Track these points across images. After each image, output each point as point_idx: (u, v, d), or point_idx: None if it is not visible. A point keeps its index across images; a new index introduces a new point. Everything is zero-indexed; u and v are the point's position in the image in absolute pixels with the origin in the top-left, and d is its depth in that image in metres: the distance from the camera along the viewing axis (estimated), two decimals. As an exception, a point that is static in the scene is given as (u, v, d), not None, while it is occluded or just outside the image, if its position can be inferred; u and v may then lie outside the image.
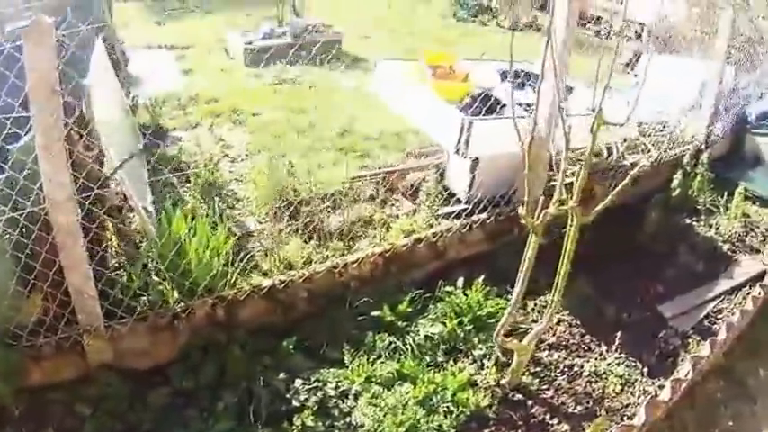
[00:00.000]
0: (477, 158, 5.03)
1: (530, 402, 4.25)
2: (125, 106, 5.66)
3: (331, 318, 4.45)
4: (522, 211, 3.56)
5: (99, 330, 3.78)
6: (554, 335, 4.78)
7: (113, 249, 4.17)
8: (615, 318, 5.03)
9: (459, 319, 4.56)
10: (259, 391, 3.96)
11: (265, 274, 4.41)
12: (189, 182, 5.21)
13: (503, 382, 4.28)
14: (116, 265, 4.16)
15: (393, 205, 5.38)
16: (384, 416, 3.88)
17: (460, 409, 4.04)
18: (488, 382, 4.28)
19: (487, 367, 4.35)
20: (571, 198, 3.58)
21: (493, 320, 4.57)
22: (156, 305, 3.97)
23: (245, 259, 4.39)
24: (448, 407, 4.03)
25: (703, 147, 6.97)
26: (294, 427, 3.83)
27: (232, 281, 4.19)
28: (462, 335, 4.53)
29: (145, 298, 3.96)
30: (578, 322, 4.93)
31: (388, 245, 4.69)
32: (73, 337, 3.74)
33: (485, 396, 4.17)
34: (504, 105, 5.10)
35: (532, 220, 3.61)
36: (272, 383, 4.01)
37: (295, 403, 3.95)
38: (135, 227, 4.40)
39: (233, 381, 4.01)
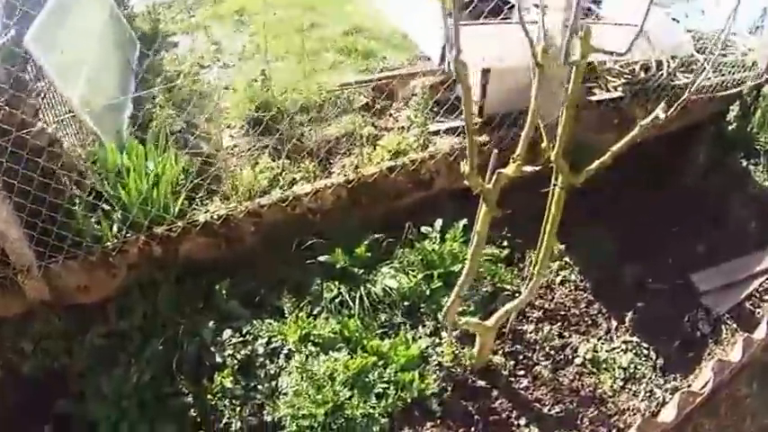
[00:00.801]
0: (488, 69, 4.15)
1: (495, 392, 3.61)
2: (114, 17, 5.47)
3: (276, 259, 4.10)
4: (464, 167, 2.63)
5: (32, 270, 3.87)
6: (551, 299, 3.94)
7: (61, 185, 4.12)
8: (635, 282, 4.03)
9: (427, 272, 3.93)
10: (185, 342, 3.85)
11: (227, 198, 4.15)
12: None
13: (465, 361, 3.67)
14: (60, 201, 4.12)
15: (391, 116, 4.69)
16: (307, 389, 3.56)
17: (401, 392, 3.55)
18: (445, 361, 3.70)
19: (446, 340, 3.74)
20: (553, 147, 2.76)
21: (483, 269, 3.96)
22: (97, 241, 3.96)
23: (207, 183, 4.15)
24: (386, 388, 3.55)
25: (765, 77, 5.18)
26: (213, 386, 3.69)
27: (176, 212, 3.97)
28: (428, 293, 3.92)
29: (85, 234, 3.94)
30: (587, 285, 4.01)
31: (353, 173, 4.11)
32: (9, 277, 3.85)
33: (436, 379, 3.62)
34: (513, 6, 4.13)
35: (482, 183, 2.73)
36: (200, 332, 3.86)
37: (218, 359, 3.78)
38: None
39: (163, 325, 3.93)
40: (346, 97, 4.73)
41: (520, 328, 3.84)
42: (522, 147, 2.60)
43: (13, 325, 4.02)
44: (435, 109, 4.34)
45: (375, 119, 4.61)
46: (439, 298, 3.88)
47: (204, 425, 3.66)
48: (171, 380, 3.77)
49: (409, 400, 3.53)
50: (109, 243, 3.94)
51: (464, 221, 4.03)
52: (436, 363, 3.69)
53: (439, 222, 4.08)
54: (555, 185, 2.86)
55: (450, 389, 3.61)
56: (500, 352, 3.74)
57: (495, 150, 2.56)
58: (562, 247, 3.95)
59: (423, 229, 4.10)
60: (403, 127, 4.51)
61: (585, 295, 4.00)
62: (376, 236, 4.06)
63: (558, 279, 4.06)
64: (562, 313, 3.91)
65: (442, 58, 4.02)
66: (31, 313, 4.02)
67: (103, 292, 4.09)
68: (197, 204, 4.12)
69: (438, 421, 3.50)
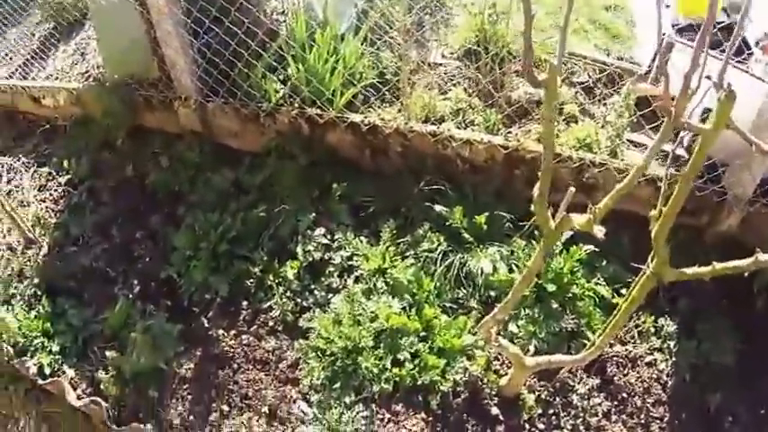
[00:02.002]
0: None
1: (500, 428, 3.35)
2: None
3: (403, 186, 4.04)
4: (536, 197, 2.32)
5: (188, 101, 4.35)
6: (624, 375, 3.47)
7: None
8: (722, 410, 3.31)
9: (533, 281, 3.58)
10: (282, 220, 4.04)
11: (399, 111, 4.15)
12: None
13: (494, 381, 3.44)
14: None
15: (604, 104, 4.26)
16: (345, 317, 3.58)
17: (417, 372, 3.43)
18: (474, 369, 3.47)
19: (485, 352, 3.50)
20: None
21: (581, 304, 3.56)
22: (259, 99, 4.24)
23: (386, 89, 4.19)
24: (407, 360, 3.46)
25: None
26: (278, 270, 3.86)
27: (339, 102, 4.09)
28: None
29: (253, 88, 4.26)
30: (671, 383, 3.45)
31: (516, 141, 3.85)
32: (169, 99, 4.37)
33: (455, 381, 3.43)
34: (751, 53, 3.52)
35: (548, 218, 2.39)
36: (299, 219, 4.01)
37: (298, 249, 3.90)
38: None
39: (274, 196, 4.16)
40: (569, 67, 4.41)
41: (571, 383, 3.40)
42: (609, 199, 2.21)
43: (163, 139, 4.56)
44: (638, 118, 3.88)
45: (586, 101, 4.25)
46: (533, 305, 3.55)
47: (251, 297, 3.85)
48: (250, 246, 4.00)
49: (418, 383, 3.40)
50: (268, 105, 4.18)
51: (591, 248, 3.63)
52: (466, 366, 3.45)
53: (569, 233, 3.67)
54: (647, 268, 2.38)
55: (460, 398, 3.40)
56: (536, 394, 3.38)
57: (572, 189, 2.19)
58: (671, 327, 3.53)
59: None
60: (601, 121, 4.10)
61: (660, 393, 3.42)
62: (503, 214, 3.78)
63: (648, 359, 3.50)
64: (623, 395, 3.39)
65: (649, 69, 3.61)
66: (181, 137, 4.52)
67: (248, 145, 4.43)
68: (364, 104, 4.17)
69: (423, 418, 3.36)
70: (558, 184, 3.82)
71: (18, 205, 4.55)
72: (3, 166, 4.80)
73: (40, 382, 3.84)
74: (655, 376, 3.48)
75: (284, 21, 4.58)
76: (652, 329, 3.59)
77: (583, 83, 4.32)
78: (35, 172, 4.72)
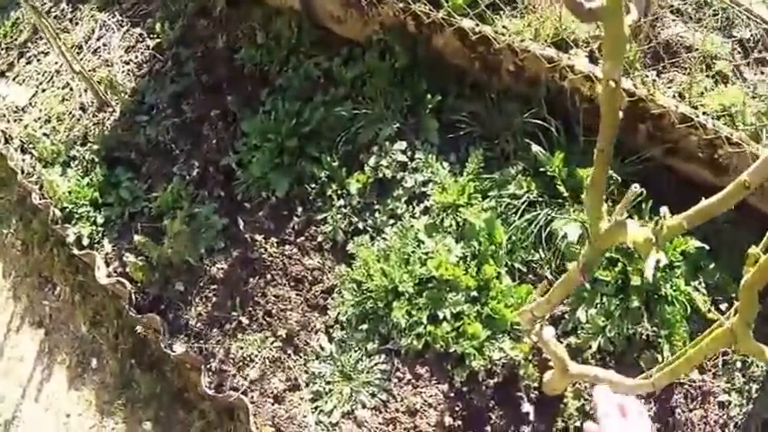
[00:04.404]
0: None
1: (525, 428, 3.14)
2: None
3: (508, 113, 3.73)
4: (589, 184, 2.00)
5: None
6: (689, 409, 3.12)
7: None
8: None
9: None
10: (363, 125, 3.89)
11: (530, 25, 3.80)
12: None
13: (534, 373, 3.21)
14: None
15: (762, 71, 3.69)
16: (394, 253, 3.43)
17: (452, 338, 3.23)
18: (514, 353, 3.22)
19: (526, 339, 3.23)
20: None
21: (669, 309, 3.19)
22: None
23: None
24: (446, 320, 3.26)
25: None
26: (344, 180, 3.77)
27: (454, 3, 3.79)
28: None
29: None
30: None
31: (645, 89, 3.39)
32: None
33: (491, 359, 3.19)
34: None
35: (598, 218, 2.03)
36: (380, 127, 3.83)
37: (370, 162, 3.75)
38: None
39: (364, 97, 4.00)
40: (730, 17, 3.81)
41: None
42: (685, 219, 1.76)
43: (264, 13, 4.54)
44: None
45: (743, 62, 3.69)
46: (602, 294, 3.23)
47: (308, 204, 3.80)
48: (322, 147, 3.91)
49: (450, 350, 3.21)
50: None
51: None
52: (504, 347, 3.20)
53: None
54: (723, 319, 1.92)
55: (492, 380, 3.19)
56: (581, 402, 3.12)
57: (636, 187, 1.76)
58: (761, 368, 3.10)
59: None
60: (757, 94, 3.53)
61: None
62: (612, 173, 3.35)
63: (722, 398, 3.08)
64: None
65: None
66: (281, 12, 4.46)
67: (350, 33, 4.30)
68: (491, 8, 3.82)
69: (444, 391, 3.20)
70: (687, 153, 3.50)
71: (101, 64, 4.68)
72: (97, 22, 4.94)
73: (75, 252, 3.95)
74: (722, 421, 3.10)
75: None
76: (739, 364, 3.17)
77: (742, 39, 3.74)
78: (127, 32, 4.85)
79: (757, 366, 3.14)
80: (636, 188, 1.77)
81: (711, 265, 3.27)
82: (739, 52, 3.83)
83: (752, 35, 3.79)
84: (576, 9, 1.45)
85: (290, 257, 3.65)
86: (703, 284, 3.26)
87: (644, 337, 3.17)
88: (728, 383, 3.16)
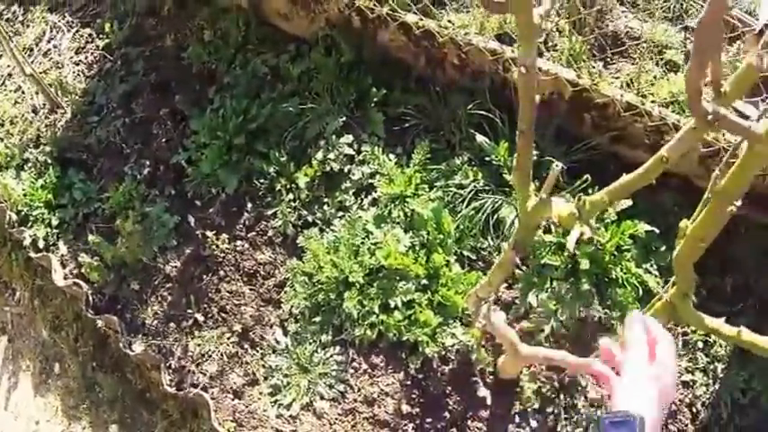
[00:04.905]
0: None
1: (483, 412, 3.19)
2: None
3: (452, 105, 3.78)
4: (515, 167, 2.04)
5: None
6: None
7: None
8: None
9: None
10: (310, 120, 3.94)
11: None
12: None
13: (488, 358, 3.25)
14: None
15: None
16: (343, 244, 3.50)
17: (404, 325, 3.30)
18: (467, 339, 3.28)
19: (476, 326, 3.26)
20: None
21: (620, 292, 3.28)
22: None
23: None
24: (398, 308, 3.32)
25: None
26: (291, 175, 3.80)
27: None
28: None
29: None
30: (706, 412, 3.13)
31: (589, 79, 3.46)
32: None
33: (444, 345, 3.28)
34: None
35: (525, 198, 2.09)
36: (327, 122, 3.88)
37: (318, 156, 3.79)
38: None
39: (309, 92, 4.05)
40: (684, 6, 3.88)
41: (582, 383, 3.17)
42: (606, 194, 1.82)
43: (211, 11, 4.55)
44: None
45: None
46: (553, 279, 3.30)
47: (257, 200, 3.84)
48: (270, 143, 3.95)
49: (403, 338, 3.26)
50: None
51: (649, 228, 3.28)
52: (456, 333, 3.28)
53: (628, 202, 3.28)
54: (663, 293, 2.02)
55: (447, 366, 3.25)
56: (538, 385, 3.16)
57: (558, 165, 1.83)
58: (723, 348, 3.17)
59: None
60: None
61: (688, 424, 3.10)
62: (556, 160, 3.43)
63: (686, 377, 3.18)
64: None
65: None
66: (228, 10, 4.47)
67: (296, 29, 4.32)
68: (436, 4, 3.88)
69: (401, 379, 3.26)
70: (633, 140, 3.58)
71: (52, 66, 4.68)
72: (48, 23, 4.92)
73: (33, 255, 3.97)
74: (687, 401, 3.17)
75: None
76: (701, 344, 3.24)
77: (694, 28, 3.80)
78: (77, 33, 4.83)
79: (720, 346, 3.20)
80: (557, 166, 1.84)
81: (663, 248, 3.33)
82: (692, 41, 3.86)
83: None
84: (488, 4, 1.54)
85: (242, 253, 3.69)
86: (655, 266, 3.32)
87: (596, 319, 3.23)
88: (691, 363, 3.24)
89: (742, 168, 1.36)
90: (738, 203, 1.43)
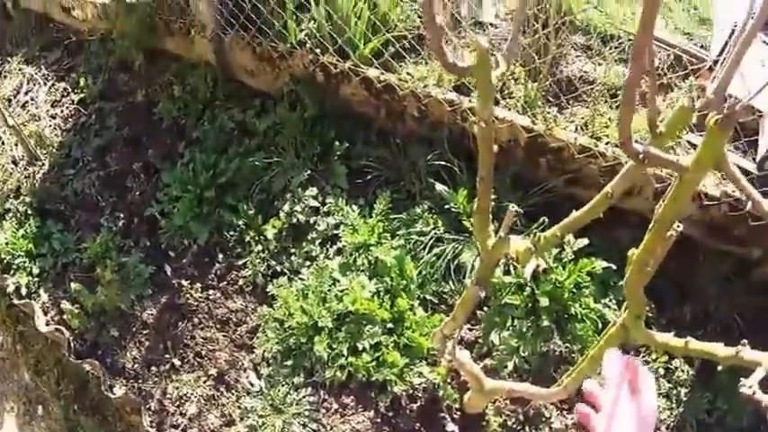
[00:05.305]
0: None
1: None
2: None
3: (412, 157, 4.04)
4: (475, 210, 2.83)
5: (206, 30, 4.49)
6: None
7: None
8: None
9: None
10: (276, 174, 4.19)
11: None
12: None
13: (452, 394, 3.45)
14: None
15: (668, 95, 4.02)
16: (312, 291, 3.71)
17: (372, 366, 3.49)
18: (433, 376, 3.48)
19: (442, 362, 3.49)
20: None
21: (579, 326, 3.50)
22: (276, 37, 4.31)
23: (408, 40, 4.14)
24: (365, 351, 3.52)
25: None
26: (259, 227, 4.03)
27: (362, 51, 4.11)
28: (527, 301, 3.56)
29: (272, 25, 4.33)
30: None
31: (543, 125, 3.72)
32: (187, 26, 4.56)
33: (411, 384, 3.47)
34: None
35: (485, 238, 2.38)
36: (293, 175, 4.13)
37: (285, 208, 4.01)
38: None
39: (275, 146, 4.28)
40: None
41: (546, 415, 3.37)
42: (559, 228, 2.09)
43: (180, 67, 4.78)
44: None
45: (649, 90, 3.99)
46: (513, 317, 3.52)
47: (228, 251, 4.05)
48: (239, 196, 4.18)
49: (372, 378, 3.47)
50: (284, 45, 4.26)
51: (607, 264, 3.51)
52: (423, 371, 3.48)
53: (584, 241, 3.55)
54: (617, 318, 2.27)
55: (415, 404, 3.45)
56: (503, 418, 3.38)
57: (513, 207, 2.10)
58: (685, 373, 3.34)
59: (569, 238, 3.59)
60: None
61: None
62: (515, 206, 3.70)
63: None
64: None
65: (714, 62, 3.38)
66: (197, 66, 4.69)
67: (262, 85, 4.58)
68: (396, 57, 4.13)
69: (371, 417, 3.44)
70: (588, 181, 3.81)
71: (30, 119, 4.88)
72: (24, 76, 5.13)
73: (15, 301, 4.17)
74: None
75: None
76: (662, 371, 3.45)
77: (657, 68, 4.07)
78: (53, 86, 5.05)
79: (682, 371, 3.38)
80: (512, 208, 2.09)
81: (620, 283, 3.49)
82: (645, 80, 4.10)
83: (660, 61, 4.10)
84: (451, 68, 1.68)
85: (215, 301, 3.92)
86: (614, 300, 3.53)
87: (557, 353, 3.46)
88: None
89: (675, 196, 1.54)
90: (680, 228, 1.59)
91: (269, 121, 4.33)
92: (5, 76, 5.26)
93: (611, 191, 1.84)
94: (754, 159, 3.53)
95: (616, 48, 4.10)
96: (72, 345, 3.95)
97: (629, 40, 4.12)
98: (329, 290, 3.68)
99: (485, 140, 1.95)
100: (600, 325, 3.46)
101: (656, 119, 1.57)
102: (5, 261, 4.34)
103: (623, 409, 1.34)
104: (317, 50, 4.19)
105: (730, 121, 1.28)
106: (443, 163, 3.90)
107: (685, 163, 1.43)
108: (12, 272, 4.30)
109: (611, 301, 3.54)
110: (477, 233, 2.34)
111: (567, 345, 3.47)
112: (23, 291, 4.21)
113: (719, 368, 2.11)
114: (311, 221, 3.93)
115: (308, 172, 4.06)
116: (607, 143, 3.66)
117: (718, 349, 1.72)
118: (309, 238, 3.92)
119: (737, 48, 1.57)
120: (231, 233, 4.02)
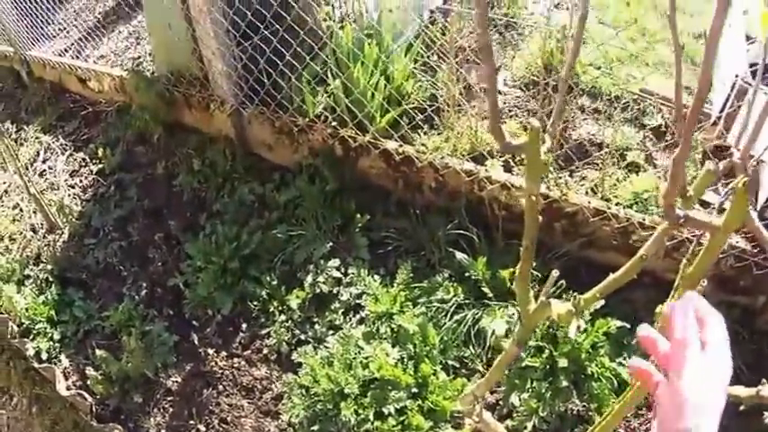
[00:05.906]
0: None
1: None
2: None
3: (431, 227, 4.20)
4: (518, 276, 2.38)
5: (225, 105, 4.72)
6: None
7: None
8: None
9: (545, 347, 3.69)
10: (299, 246, 4.32)
11: (446, 140, 4.29)
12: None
13: None
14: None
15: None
16: (342, 366, 3.77)
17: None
18: None
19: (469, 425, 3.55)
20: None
21: (596, 385, 3.59)
22: (296, 111, 4.51)
23: (429, 112, 4.33)
24: (391, 416, 3.57)
25: None
26: (283, 297, 4.15)
27: (379, 124, 4.31)
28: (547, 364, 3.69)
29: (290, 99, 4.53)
30: None
31: (558, 190, 3.90)
32: (207, 100, 4.74)
33: None
34: None
35: (526, 302, 2.44)
36: (315, 247, 4.26)
37: (308, 279, 4.14)
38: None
39: (296, 218, 4.45)
40: (641, 108, 4.38)
41: None
42: (598, 291, 2.25)
43: (199, 140, 4.94)
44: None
45: (655, 148, 4.21)
46: (533, 379, 3.64)
47: (251, 321, 4.16)
48: (262, 268, 4.30)
49: None
50: (303, 120, 4.46)
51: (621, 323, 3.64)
52: None
53: (600, 302, 3.70)
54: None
55: None
56: None
57: (556, 272, 2.26)
58: None
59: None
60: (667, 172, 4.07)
61: None
62: (533, 271, 3.86)
63: None
64: None
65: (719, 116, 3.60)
66: (216, 140, 4.87)
67: (280, 159, 4.76)
68: (412, 127, 4.31)
69: None
70: (602, 243, 3.96)
71: (48, 187, 5.00)
72: (42, 145, 5.26)
73: (36, 365, 4.23)
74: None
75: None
76: None
77: (654, 126, 4.30)
78: (70, 156, 5.18)
79: None
80: (555, 273, 2.20)
81: (634, 341, 3.62)
82: (651, 139, 4.28)
83: (664, 119, 4.29)
84: (507, 148, 1.85)
85: (239, 369, 4.00)
86: (628, 359, 3.49)
87: (575, 413, 3.54)
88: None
89: (707, 253, 1.63)
90: (705, 284, 1.70)
91: (289, 194, 4.49)
92: (22, 143, 5.39)
93: (645, 253, 1.93)
94: (754, 208, 3.63)
95: (623, 108, 4.31)
96: (94, 409, 4.02)
97: (635, 100, 4.38)
98: (354, 357, 3.78)
99: (531, 211, 2.12)
100: (615, 383, 3.56)
101: (685, 185, 1.67)
102: (25, 326, 4.40)
103: (699, 367, 1.08)
104: (335, 124, 4.38)
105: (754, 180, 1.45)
106: (462, 232, 4.06)
107: (718, 223, 1.57)
108: (31, 336, 4.36)
109: (625, 359, 3.65)
110: (519, 297, 2.45)
111: (585, 404, 3.57)
112: (44, 355, 4.26)
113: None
114: (334, 291, 4.06)
115: (330, 244, 4.21)
116: (617, 204, 3.81)
117: (740, 390, 2.00)
118: (333, 307, 4.03)
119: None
120: (255, 303, 4.14)
